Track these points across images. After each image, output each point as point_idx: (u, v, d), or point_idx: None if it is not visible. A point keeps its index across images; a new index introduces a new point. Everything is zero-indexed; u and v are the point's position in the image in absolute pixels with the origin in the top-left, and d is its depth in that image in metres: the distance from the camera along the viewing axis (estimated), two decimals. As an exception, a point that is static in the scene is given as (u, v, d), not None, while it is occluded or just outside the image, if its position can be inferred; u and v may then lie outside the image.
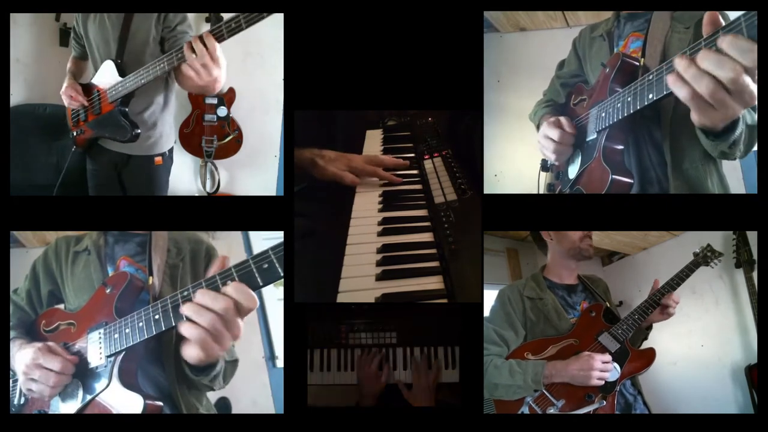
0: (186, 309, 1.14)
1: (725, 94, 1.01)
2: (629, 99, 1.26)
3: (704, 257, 1.66)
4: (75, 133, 1.94)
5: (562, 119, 1.49)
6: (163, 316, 1.19)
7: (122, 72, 1.77)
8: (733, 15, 1.02)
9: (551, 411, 1.43)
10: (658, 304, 1.56)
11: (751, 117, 1.22)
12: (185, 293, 1.17)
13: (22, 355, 1.31)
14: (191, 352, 1.20)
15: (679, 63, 1.05)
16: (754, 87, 1.00)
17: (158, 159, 1.95)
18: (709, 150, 1.27)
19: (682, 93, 1.06)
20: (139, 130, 1.82)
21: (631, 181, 1.33)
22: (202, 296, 1.12)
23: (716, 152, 1.25)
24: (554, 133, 1.47)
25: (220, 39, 1.50)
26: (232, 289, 1.12)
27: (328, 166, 1.55)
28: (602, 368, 1.44)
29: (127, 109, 1.80)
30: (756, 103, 1.05)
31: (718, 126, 1.11)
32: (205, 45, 1.49)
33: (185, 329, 1.13)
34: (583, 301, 1.71)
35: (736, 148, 1.20)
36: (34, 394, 1.30)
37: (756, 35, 0.97)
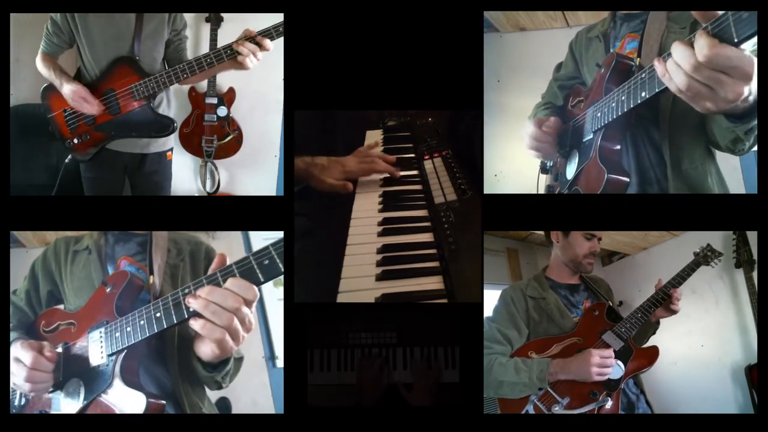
0: (196, 305, 1.13)
1: (699, 84, 1.01)
2: (623, 98, 1.26)
3: (704, 257, 1.66)
4: (75, 141, 1.86)
5: (550, 119, 1.51)
6: (164, 314, 1.19)
7: (141, 70, 1.77)
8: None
9: (556, 409, 1.43)
10: (660, 302, 1.57)
11: None
12: (186, 291, 1.16)
13: None
14: (206, 350, 1.20)
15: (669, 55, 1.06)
16: (726, 81, 0.99)
17: (170, 154, 1.99)
18: (722, 136, 1.26)
19: (670, 86, 1.07)
20: (177, 123, 1.87)
21: (627, 179, 1.33)
22: (211, 293, 1.12)
23: (729, 138, 1.24)
24: (530, 129, 1.53)
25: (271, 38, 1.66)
26: (232, 285, 1.12)
27: (324, 177, 1.56)
28: (604, 363, 1.44)
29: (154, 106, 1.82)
30: (743, 96, 1.03)
31: (732, 109, 1.09)
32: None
33: (203, 329, 1.13)
34: (586, 300, 1.71)
35: (751, 135, 1.20)
36: (19, 389, 1.32)
37: (744, 32, 0.96)
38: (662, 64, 1.08)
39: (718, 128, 1.26)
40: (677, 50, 1.03)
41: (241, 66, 1.66)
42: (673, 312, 1.59)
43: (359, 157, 1.66)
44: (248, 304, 1.14)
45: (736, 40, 0.97)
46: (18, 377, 1.28)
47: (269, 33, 1.63)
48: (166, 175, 2.01)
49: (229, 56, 1.65)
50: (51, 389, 1.30)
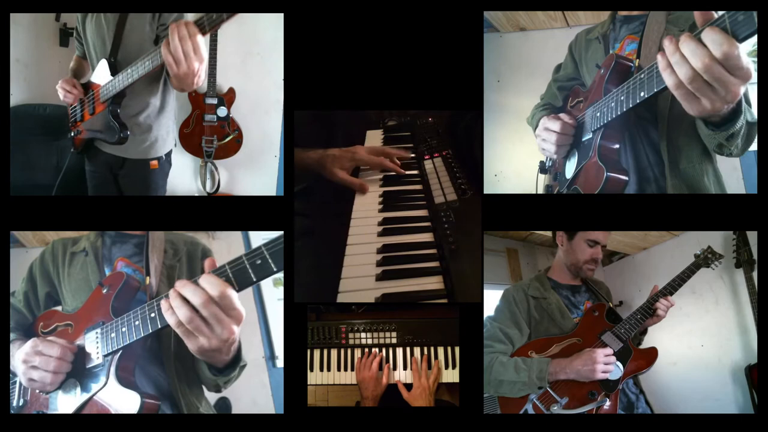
0: (170, 294, 1.13)
1: (703, 83, 1.02)
2: (622, 98, 1.27)
3: (705, 259, 1.67)
4: (72, 134, 1.90)
5: (561, 114, 1.50)
6: (158, 314, 1.19)
7: (114, 71, 1.74)
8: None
9: (555, 408, 1.43)
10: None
11: (750, 114, 1.23)
12: None
13: (21, 350, 1.31)
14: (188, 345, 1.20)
15: (667, 46, 1.06)
16: (731, 81, 1.00)
17: (154, 163, 1.90)
18: (707, 141, 1.28)
19: (669, 80, 1.07)
20: (128, 132, 1.76)
21: (626, 178, 1.34)
22: (183, 287, 1.11)
23: (714, 144, 1.26)
24: (555, 125, 1.48)
25: (203, 31, 1.42)
26: (203, 280, 1.11)
27: (336, 168, 1.56)
28: (605, 361, 1.45)
29: (119, 110, 1.75)
30: (738, 99, 1.06)
31: (710, 116, 1.11)
32: (187, 31, 1.40)
33: (167, 317, 1.13)
34: (587, 301, 1.72)
35: (734, 141, 1.20)
36: (36, 384, 1.30)
37: (740, 33, 0.97)
38: (665, 57, 1.06)
39: (702, 134, 1.28)
40: (687, 44, 1.01)
41: (171, 68, 1.44)
42: (658, 319, 1.59)
43: (372, 150, 1.67)
44: (218, 302, 1.10)
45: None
46: (42, 370, 1.27)
47: (201, 23, 1.41)
48: (150, 183, 1.91)
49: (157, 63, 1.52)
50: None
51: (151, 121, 1.85)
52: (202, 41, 1.43)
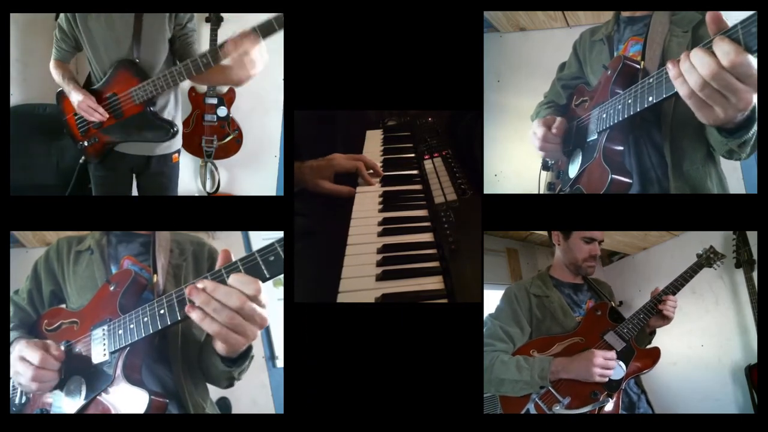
0: (199, 300, 1.10)
1: (713, 91, 1.02)
2: (630, 101, 1.27)
3: (707, 259, 1.67)
4: (86, 143, 1.87)
5: (557, 119, 1.51)
6: (168, 311, 1.18)
7: (142, 72, 1.75)
8: (732, 15, 1.03)
9: (557, 408, 1.43)
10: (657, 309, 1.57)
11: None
12: None
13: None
14: (219, 347, 1.20)
15: (682, 57, 1.07)
16: (741, 88, 1.01)
17: (175, 156, 1.96)
18: (717, 147, 1.28)
19: (681, 90, 1.08)
20: (177, 127, 1.84)
21: (630, 181, 1.34)
22: (215, 290, 1.10)
23: (724, 149, 1.26)
24: (539, 131, 1.52)
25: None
26: (234, 280, 1.10)
27: (318, 180, 1.56)
28: (605, 365, 1.44)
29: (155, 109, 1.80)
30: (751, 107, 1.05)
31: (726, 123, 1.11)
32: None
33: (203, 322, 1.11)
34: (589, 299, 1.72)
35: (746, 147, 1.21)
36: (24, 388, 1.30)
37: (753, 45, 0.97)
38: (676, 66, 1.07)
39: (713, 140, 1.28)
40: (696, 56, 1.02)
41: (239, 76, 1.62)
42: (667, 319, 1.59)
43: (347, 155, 1.66)
44: (252, 299, 1.10)
45: None
46: (24, 377, 1.26)
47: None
48: (171, 177, 1.99)
49: (214, 58, 1.61)
50: (53, 388, 1.29)
51: (171, 115, 1.88)
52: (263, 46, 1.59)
